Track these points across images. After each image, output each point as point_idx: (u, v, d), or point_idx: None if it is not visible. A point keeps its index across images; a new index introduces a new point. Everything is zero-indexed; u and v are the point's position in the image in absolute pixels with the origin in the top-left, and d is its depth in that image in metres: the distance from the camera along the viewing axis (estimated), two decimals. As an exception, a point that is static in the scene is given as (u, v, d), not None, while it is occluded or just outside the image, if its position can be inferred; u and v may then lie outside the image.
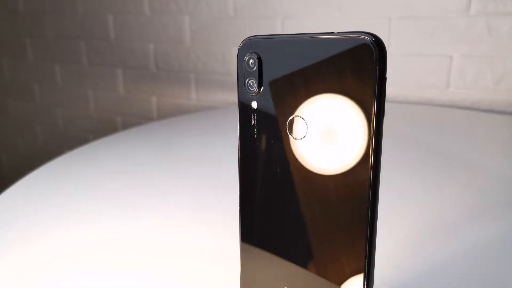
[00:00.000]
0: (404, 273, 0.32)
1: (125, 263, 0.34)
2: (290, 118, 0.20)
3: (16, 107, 1.52)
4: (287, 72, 0.20)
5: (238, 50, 0.21)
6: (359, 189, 0.18)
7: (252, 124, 0.22)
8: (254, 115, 0.22)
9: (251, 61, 0.21)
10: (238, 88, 0.22)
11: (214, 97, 1.11)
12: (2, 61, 1.48)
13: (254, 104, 0.21)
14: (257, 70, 0.21)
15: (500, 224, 0.39)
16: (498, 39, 0.80)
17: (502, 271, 0.32)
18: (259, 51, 0.21)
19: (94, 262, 0.34)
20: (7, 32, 1.43)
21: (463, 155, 0.58)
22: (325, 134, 0.19)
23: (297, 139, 0.20)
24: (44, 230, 0.40)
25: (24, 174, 0.53)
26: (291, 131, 0.20)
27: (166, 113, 1.20)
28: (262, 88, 0.21)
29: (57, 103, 1.40)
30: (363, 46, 0.17)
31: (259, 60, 0.21)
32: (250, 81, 0.21)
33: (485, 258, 0.33)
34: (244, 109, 0.22)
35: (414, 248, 0.35)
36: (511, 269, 0.32)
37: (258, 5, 0.99)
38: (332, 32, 0.18)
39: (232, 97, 1.09)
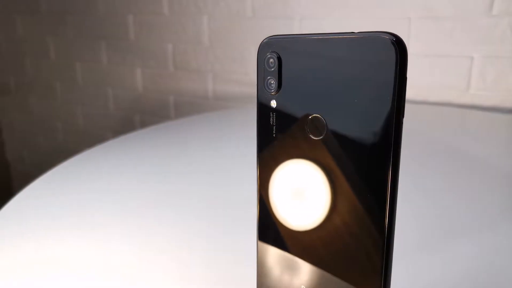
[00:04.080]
0: (418, 274, 0.32)
1: (145, 260, 0.34)
2: (309, 117, 0.20)
3: (38, 105, 1.55)
4: (306, 72, 0.20)
5: (258, 49, 0.22)
6: (377, 188, 0.18)
7: (271, 123, 0.22)
8: (273, 114, 0.22)
9: (271, 60, 0.21)
10: (257, 87, 0.22)
11: (232, 97, 1.12)
12: (25, 60, 1.52)
13: (273, 103, 0.22)
14: (277, 69, 0.21)
15: (521, 228, 0.38)
16: (521, 39, 0.79)
17: (523, 276, 0.31)
18: (279, 51, 0.21)
19: (110, 258, 0.35)
20: (30, 31, 1.46)
21: (484, 157, 0.57)
22: (344, 134, 0.19)
23: (316, 138, 0.20)
24: (62, 227, 0.40)
25: (44, 170, 0.54)
26: (310, 131, 0.20)
27: (184, 112, 1.21)
28: (281, 88, 0.21)
29: (78, 101, 1.43)
30: (384, 45, 0.17)
31: (279, 59, 0.21)
32: (269, 80, 0.21)
33: (500, 262, 0.33)
34: (263, 108, 0.22)
35: (433, 250, 0.35)
36: (532, 274, 0.31)
37: (276, 5, 0.99)
38: (352, 32, 0.18)
39: (250, 97, 1.09)
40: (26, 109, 1.59)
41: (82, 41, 1.34)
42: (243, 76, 1.08)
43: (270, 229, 0.23)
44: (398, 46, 0.17)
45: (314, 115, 0.20)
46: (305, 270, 0.22)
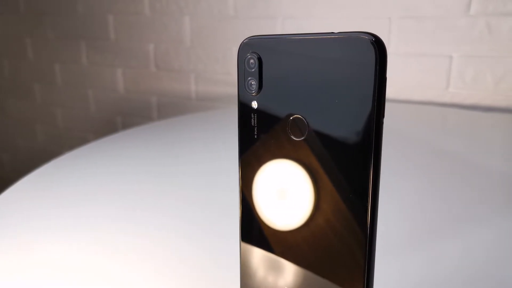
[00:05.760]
0: (404, 272, 0.32)
1: (124, 267, 0.34)
2: (291, 118, 0.20)
3: (16, 107, 1.52)
4: (287, 72, 0.20)
5: (239, 50, 0.21)
6: (359, 189, 0.18)
7: (252, 124, 0.22)
8: (254, 115, 0.22)
9: (251, 61, 0.21)
10: (238, 88, 0.22)
11: (215, 97, 1.11)
12: (2, 61, 1.48)
13: (254, 104, 0.21)
14: (257, 70, 0.21)
15: (500, 224, 0.39)
16: (498, 39, 0.80)
17: (501, 270, 0.32)
18: (259, 51, 0.21)
19: (92, 265, 0.34)
20: (8, 32, 1.43)
21: (463, 154, 0.58)
22: (326, 134, 0.19)
23: (297, 139, 0.20)
24: (43, 231, 0.40)
25: (24, 174, 0.53)
26: (291, 131, 0.20)
27: (166, 113, 1.20)
28: (262, 88, 0.21)
29: (57, 103, 1.41)
30: (363, 46, 0.17)
31: (259, 60, 0.21)
32: (250, 81, 0.21)
33: (484, 258, 0.34)
34: (244, 109, 0.22)
35: (413, 247, 0.35)
36: (510, 268, 0.32)
37: (258, 5, 0.99)
38: (332, 32, 0.18)
39: (233, 97, 1.09)
40: (4, 111, 1.55)
41: (61, 41, 1.32)
42: (226, 76, 1.08)
43: (253, 230, 0.23)
44: (378, 46, 0.17)
45: (295, 115, 0.20)
46: (288, 270, 0.22)
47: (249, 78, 0.21)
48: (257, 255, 0.23)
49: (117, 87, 1.26)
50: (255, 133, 0.22)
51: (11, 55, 1.45)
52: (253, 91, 0.21)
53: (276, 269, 0.23)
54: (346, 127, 0.18)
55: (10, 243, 0.37)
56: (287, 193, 0.21)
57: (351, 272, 0.19)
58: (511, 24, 0.79)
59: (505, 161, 0.56)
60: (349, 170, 0.19)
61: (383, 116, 0.18)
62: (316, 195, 0.20)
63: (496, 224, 0.39)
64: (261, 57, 0.21)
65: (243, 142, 0.22)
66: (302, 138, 0.20)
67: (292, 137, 0.20)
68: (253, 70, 0.21)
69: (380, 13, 0.88)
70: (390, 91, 0.91)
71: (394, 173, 0.51)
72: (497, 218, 0.40)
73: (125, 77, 1.23)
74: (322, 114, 0.19)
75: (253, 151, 0.22)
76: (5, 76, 1.49)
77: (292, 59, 0.20)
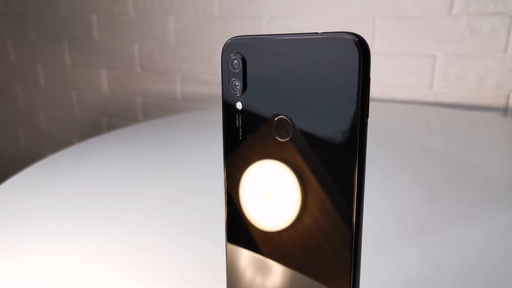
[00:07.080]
0: (391, 272, 0.32)
1: (109, 268, 0.34)
2: (275, 118, 0.20)
3: (-2, 109, 1.49)
4: (271, 73, 0.20)
5: (222, 50, 0.21)
6: (344, 188, 0.18)
7: (237, 125, 0.22)
8: (238, 116, 0.21)
9: (235, 61, 0.21)
10: (222, 89, 0.22)
11: (201, 98, 1.11)
12: (-17, 62, 1.45)
13: (239, 105, 0.21)
14: (241, 70, 0.21)
15: (487, 221, 0.39)
16: (480, 38, 0.82)
17: (489, 268, 0.32)
18: (243, 52, 0.21)
19: (78, 266, 0.34)
20: (-12, 32, 1.40)
21: (447, 152, 0.59)
22: (310, 134, 0.19)
23: (282, 139, 0.20)
24: (26, 234, 0.39)
25: (6, 177, 0.52)
26: (276, 132, 0.20)
27: (152, 114, 1.19)
28: (246, 89, 0.21)
29: (40, 105, 1.38)
30: (347, 46, 0.17)
31: (243, 60, 0.21)
32: (234, 82, 0.21)
33: (468, 253, 0.34)
34: (229, 110, 0.22)
35: (400, 247, 0.35)
36: (498, 267, 0.32)
37: (243, 5, 0.99)
38: (316, 33, 0.18)
39: (219, 98, 1.08)
40: (-14, 113, 1.52)
41: (44, 42, 1.30)
42: (211, 77, 1.08)
43: (239, 231, 0.23)
44: (361, 46, 0.17)
45: (280, 116, 0.20)
46: (274, 270, 0.22)
47: (233, 78, 0.21)
48: (243, 256, 0.23)
49: (101, 88, 1.25)
50: (240, 134, 0.22)
51: (-8, 56, 1.42)
52: (237, 92, 0.21)
53: (262, 270, 0.22)
54: (330, 127, 0.18)
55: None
56: (272, 193, 0.21)
57: (338, 271, 0.19)
58: (492, 24, 0.80)
59: (487, 158, 0.57)
60: (334, 170, 0.19)
61: (367, 116, 0.18)
62: (302, 196, 0.20)
63: (483, 221, 0.39)
64: (245, 58, 0.21)
65: (228, 143, 0.22)
66: (287, 138, 0.20)
67: (277, 137, 0.20)
68: (237, 70, 0.21)
69: (364, 13, 0.89)
70: (375, 91, 0.92)
71: (379, 172, 0.51)
72: (483, 215, 0.41)
73: (110, 78, 1.22)
74: (306, 115, 0.19)
75: (238, 152, 0.22)
76: (-14, 78, 1.47)
77: (276, 60, 0.19)
